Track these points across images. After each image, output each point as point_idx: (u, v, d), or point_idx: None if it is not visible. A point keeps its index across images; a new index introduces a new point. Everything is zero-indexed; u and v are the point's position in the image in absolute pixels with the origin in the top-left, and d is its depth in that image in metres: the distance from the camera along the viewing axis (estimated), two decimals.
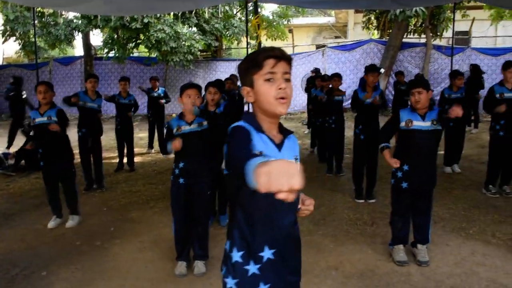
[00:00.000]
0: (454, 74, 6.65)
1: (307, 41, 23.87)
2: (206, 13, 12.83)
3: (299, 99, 13.98)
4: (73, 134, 7.39)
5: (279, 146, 1.63)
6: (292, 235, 1.73)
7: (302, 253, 3.95)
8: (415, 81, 3.73)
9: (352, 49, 14.34)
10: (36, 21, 12.59)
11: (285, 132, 1.70)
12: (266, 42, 19.23)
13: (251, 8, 15.33)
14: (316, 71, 10.29)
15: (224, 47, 16.50)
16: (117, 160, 7.93)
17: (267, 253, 1.64)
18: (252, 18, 4.67)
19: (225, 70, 14.37)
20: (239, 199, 1.64)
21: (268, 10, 17.43)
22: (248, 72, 1.61)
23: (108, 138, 9.97)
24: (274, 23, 16.94)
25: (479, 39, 17.20)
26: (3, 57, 23.67)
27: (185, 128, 3.59)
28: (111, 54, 13.69)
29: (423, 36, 13.60)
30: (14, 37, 14.03)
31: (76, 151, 7.01)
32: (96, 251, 4.30)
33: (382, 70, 12.85)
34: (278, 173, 1.03)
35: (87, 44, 14.89)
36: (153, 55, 13.13)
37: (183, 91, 3.53)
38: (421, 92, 3.55)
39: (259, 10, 14.16)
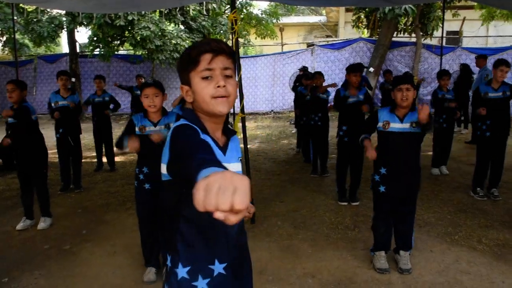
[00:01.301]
0: (440, 74, 6.49)
1: (298, 40, 23.73)
2: (191, 10, 12.58)
3: (288, 98, 13.82)
4: (51, 133, 7.22)
5: (224, 149, 1.47)
6: (240, 245, 1.57)
7: (279, 258, 3.81)
8: (403, 77, 3.51)
9: (341, 48, 14.18)
10: (17, 18, 12.33)
11: (228, 133, 1.53)
12: (255, 41, 19.05)
13: (239, 5, 15.19)
14: (304, 69, 10.11)
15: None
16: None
17: (217, 267, 1.47)
18: (229, 13, 4.46)
19: None
20: (183, 209, 1.44)
21: (257, 8, 17.23)
22: (185, 69, 1.43)
23: (91, 137, 9.72)
24: (263, 22, 16.68)
25: (470, 39, 17.14)
26: None
27: (150, 128, 3.38)
28: (96, 51, 13.41)
29: (413, 35, 13.46)
30: None
31: (54, 151, 6.85)
32: (64, 255, 4.10)
33: (371, 69, 12.74)
34: (218, 188, 0.83)
35: (72, 42, 14.58)
36: (138, 53, 12.88)
37: (141, 91, 3.32)
38: (410, 89, 3.34)
39: (237, 6, 13.95)
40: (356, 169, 5.27)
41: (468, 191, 5.56)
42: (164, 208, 1.50)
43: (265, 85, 14.96)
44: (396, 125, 3.39)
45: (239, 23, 17.08)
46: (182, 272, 1.47)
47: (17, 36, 15.58)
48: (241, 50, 24.17)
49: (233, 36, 4.63)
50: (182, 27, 13.61)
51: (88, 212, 5.39)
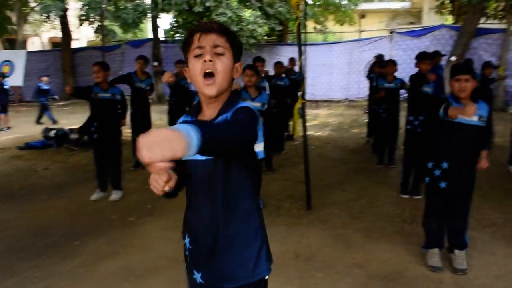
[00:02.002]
0: None
1: (380, 26, 22.88)
2: None
3: (363, 86, 13.43)
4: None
5: None
6: (215, 227, 1.49)
7: (330, 246, 3.81)
8: (462, 67, 3.30)
9: (421, 35, 13.46)
10: (107, 6, 13.19)
11: (223, 111, 1.49)
12: (334, 27, 18.69)
13: None
14: (379, 57, 9.74)
15: (288, 31, 16.22)
16: None
17: (187, 241, 1.58)
18: None
19: (288, 54, 14.10)
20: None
21: None
22: (184, 52, 1.50)
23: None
24: (343, 8, 16.31)
25: None
26: (87, 40, 25.24)
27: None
28: (177, 37, 13.97)
29: (504, 21, 12.37)
30: (88, 22, 14.77)
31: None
32: (127, 226, 4.42)
33: (453, 58, 11.96)
34: (154, 142, 0.97)
35: (155, 28, 15.31)
36: None
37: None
38: (469, 80, 3.14)
39: None
40: (423, 162, 5.04)
41: None
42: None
43: (340, 73, 14.67)
44: (463, 116, 3.21)
45: (315, 9, 16.91)
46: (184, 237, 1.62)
47: (106, 22, 16.66)
48: (320, 37, 23.89)
49: (296, 21, 4.60)
50: (259, 13, 13.70)
51: None
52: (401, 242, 3.88)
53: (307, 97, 14.85)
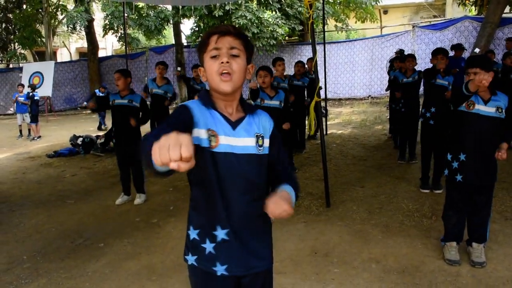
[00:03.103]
0: None
1: (403, 21, 22.54)
2: None
3: (386, 83, 13.28)
4: None
5: (235, 124, 1.57)
6: (250, 215, 1.60)
7: (348, 242, 3.85)
8: (471, 60, 3.27)
9: (444, 28, 13.19)
10: (129, 15, 13.50)
11: (247, 110, 1.63)
12: (355, 24, 18.54)
13: None
14: (400, 52, 9.66)
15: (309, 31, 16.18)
16: None
17: (220, 233, 1.58)
18: None
19: (310, 54, 14.12)
20: (189, 173, 1.61)
21: None
22: (199, 52, 1.59)
23: None
24: (363, 5, 16.16)
25: None
26: (112, 49, 25.89)
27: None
28: (198, 41, 14.15)
29: None
30: (112, 31, 15.16)
31: None
32: (151, 227, 4.54)
33: (477, 50, 11.70)
34: (164, 145, 1.07)
35: (177, 33, 15.57)
36: None
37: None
38: (479, 73, 3.11)
39: None
40: (441, 155, 5.00)
41: None
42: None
43: (362, 70, 14.55)
44: (481, 107, 3.19)
45: (336, 7, 16.81)
46: (193, 234, 1.63)
47: (129, 31, 17.06)
48: (342, 35, 23.72)
49: (309, 20, 4.64)
50: (278, 14, 13.76)
51: (177, 190, 5.86)
52: (420, 237, 3.86)
53: (330, 95, 14.91)
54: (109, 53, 24.69)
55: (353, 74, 14.72)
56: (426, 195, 4.94)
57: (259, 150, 1.60)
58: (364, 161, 6.69)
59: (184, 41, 16.64)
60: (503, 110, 3.16)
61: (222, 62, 1.49)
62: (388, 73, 9.52)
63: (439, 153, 5.00)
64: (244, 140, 1.57)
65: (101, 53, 23.67)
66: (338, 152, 7.35)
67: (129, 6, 12.37)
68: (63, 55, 25.98)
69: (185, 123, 1.45)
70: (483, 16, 12.50)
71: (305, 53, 14.53)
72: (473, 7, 14.27)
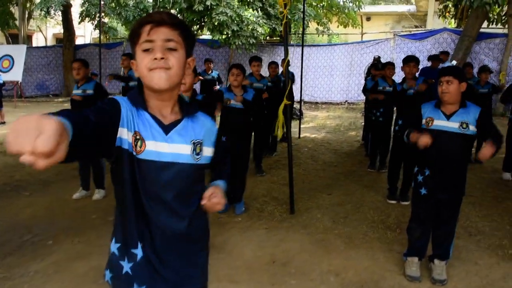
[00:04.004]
0: None
1: (385, 29, 22.71)
2: None
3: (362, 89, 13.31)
4: None
5: (168, 128, 1.36)
6: (177, 234, 1.42)
7: (308, 252, 3.71)
8: (445, 69, 3.17)
9: (423, 39, 13.27)
10: (107, 3, 13.13)
11: (187, 113, 1.43)
12: (337, 29, 18.55)
13: None
14: (377, 59, 9.65)
15: (291, 33, 16.08)
16: None
17: (139, 252, 1.40)
18: None
19: (290, 55, 14.03)
20: (114, 181, 1.42)
21: None
22: (131, 43, 1.37)
23: None
24: (346, 10, 16.16)
25: None
26: (91, 37, 25.29)
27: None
28: None
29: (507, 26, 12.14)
30: (89, 18, 14.73)
31: None
32: (107, 225, 4.31)
33: (454, 62, 11.79)
34: (22, 130, 0.80)
35: None
36: (216, 38, 13.14)
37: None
38: (452, 82, 3.00)
39: None
40: (410, 166, 4.94)
41: None
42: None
43: (341, 75, 14.51)
44: (440, 123, 3.06)
45: (319, 10, 16.76)
46: (113, 247, 1.46)
47: (107, 19, 16.61)
48: (325, 39, 23.75)
49: (283, 20, 4.49)
50: (260, 13, 13.60)
51: None
52: (382, 250, 3.76)
53: (307, 99, 14.84)
54: (88, 41, 24.09)
55: (331, 78, 14.68)
56: (392, 206, 4.85)
57: (196, 159, 1.41)
58: (334, 167, 6.59)
59: None
60: (469, 125, 2.99)
61: (156, 58, 1.28)
62: (365, 79, 9.49)
63: (409, 164, 4.93)
64: (177, 146, 1.37)
65: (79, 41, 23.10)
66: (308, 157, 7.24)
67: None
68: (39, 40, 25.23)
69: (111, 116, 1.24)
70: (462, 29, 12.63)
71: (284, 54, 14.43)
72: (452, 19, 14.41)
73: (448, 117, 3.04)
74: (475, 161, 6.42)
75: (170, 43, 1.31)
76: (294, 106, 10.31)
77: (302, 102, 14.47)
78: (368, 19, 25.46)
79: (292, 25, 15.54)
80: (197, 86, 9.92)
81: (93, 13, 14.22)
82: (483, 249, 3.82)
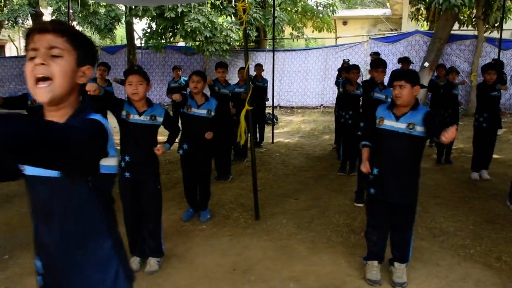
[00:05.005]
0: (485, 68, 5.91)
1: (361, 33, 22.92)
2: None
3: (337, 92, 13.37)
4: None
5: None
6: (68, 248, 1.40)
7: (270, 259, 3.66)
8: (398, 73, 3.17)
9: (396, 41, 13.39)
10: (76, 11, 12.94)
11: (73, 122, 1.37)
12: (312, 34, 18.64)
13: None
14: (347, 62, 9.73)
15: (266, 38, 16.09)
16: None
17: (38, 265, 1.43)
18: (239, 2, 4.30)
19: (264, 60, 14.01)
20: None
21: (313, 0, 16.77)
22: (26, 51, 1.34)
23: None
24: (320, 14, 16.24)
25: None
26: None
27: (134, 117, 3.33)
28: (150, 43, 13.79)
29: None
30: None
31: None
32: None
33: (426, 64, 11.96)
34: None
35: (130, 33, 15.09)
36: (189, 44, 13.07)
37: (125, 78, 3.28)
38: (404, 86, 3.01)
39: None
40: None
41: (505, 200, 5.00)
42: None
43: (316, 79, 14.54)
44: (389, 123, 3.08)
45: (294, 16, 16.82)
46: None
47: (78, 28, 16.40)
48: (302, 43, 23.85)
49: (243, 25, 4.43)
50: (233, 19, 13.58)
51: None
52: (345, 254, 3.72)
53: (282, 103, 14.85)
54: None
55: (306, 82, 14.70)
56: (359, 209, 4.81)
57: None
58: (304, 172, 6.56)
59: (137, 42, 16.17)
60: (416, 126, 2.98)
61: (36, 64, 1.24)
62: (336, 82, 9.52)
63: None
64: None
65: None
66: (280, 162, 7.20)
67: (77, 2, 11.86)
68: (12, 50, 24.77)
69: None
70: (433, 31, 12.80)
71: (259, 59, 14.39)
72: (425, 22, 14.60)
73: (398, 118, 3.06)
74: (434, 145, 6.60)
75: (54, 50, 1.27)
76: (269, 111, 10.30)
77: (278, 107, 14.53)
78: (345, 23, 25.67)
79: (267, 30, 15.56)
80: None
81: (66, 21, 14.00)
82: (446, 250, 3.81)
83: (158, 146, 3.42)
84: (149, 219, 3.49)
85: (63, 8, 12.79)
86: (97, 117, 1.35)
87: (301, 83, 14.74)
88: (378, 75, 4.87)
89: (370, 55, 10.33)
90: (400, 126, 3.02)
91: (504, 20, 11.69)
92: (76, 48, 1.31)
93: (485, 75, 5.80)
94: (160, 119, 3.43)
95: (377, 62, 4.98)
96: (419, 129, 3.00)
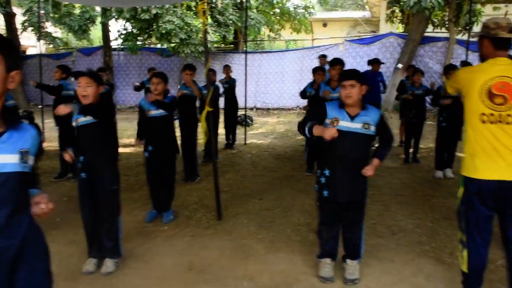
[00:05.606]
0: (447, 69, 6.04)
1: (341, 35, 23.13)
2: (219, 4, 12.53)
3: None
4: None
5: None
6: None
7: (228, 258, 3.67)
8: (348, 73, 3.21)
9: (370, 43, 13.56)
10: (48, 12, 12.79)
11: (11, 125, 1.47)
12: (291, 35, 18.77)
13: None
14: (323, 56, 9.97)
15: (243, 40, 16.13)
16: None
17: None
18: (199, 3, 4.32)
19: (241, 62, 14.02)
20: None
21: (291, 2, 16.91)
22: None
23: None
24: (298, 16, 16.36)
25: None
26: (45, 48, 24.56)
27: (81, 120, 3.35)
28: (125, 45, 13.71)
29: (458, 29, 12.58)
30: (32, 28, 14.30)
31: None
32: None
33: (399, 66, 12.14)
34: None
35: (105, 35, 14.96)
36: (164, 46, 13.03)
37: (76, 80, 3.28)
38: (355, 85, 3.05)
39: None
40: None
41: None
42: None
43: (292, 80, 14.61)
44: (345, 124, 3.09)
45: (272, 17, 16.92)
46: None
47: (51, 29, 16.20)
48: (282, 44, 23.97)
49: (203, 26, 4.45)
50: (209, 21, 13.58)
51: (72, 200, 5.41)
52: (302, 252, 3.76)
53: (259, 105, 14.88)
54: (42, 52, 23.39)
55: (282, 84, 14.77)
56: None
57: (24, 167, 1.48)
58: (272, 173, 6.59)
59: (115, 44, 16.05)
60: (370, 126, 3.07)
61: None
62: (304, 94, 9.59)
63: None
64: (3, 157, 1.43)
65: (31, 51, 22.43)
66: (250, 163, 7.22)
67: (49, 3, 11.73)
68: None
69: None
70: (406, 33, 13.00)
71: (236, 61, 14.43)
72: (400, 24, 14.82)
73: (352, 118, 3.08)
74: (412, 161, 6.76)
75: None
76: (244, 113, 10.32)
77: (255, 109, 14.58)
78: (325, 25, 25.89)
79: (245, 32, 15.59)
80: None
81: (35, 22, 13.81)
82: (402, 247, 3.88)
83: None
84: (105, 219, 3.48)
85: (35, 9, 12.58)
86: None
87: (277, 85, 14.80)
88: (335, 73, 4.95)
89: (318, 57, 10.53)
90: (356, 126, 3.06)
91: (475, 23, 11.99)
92: (5, 56, 1.39)
93: (448, 76, 5.91)
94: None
95: (336, 61, 5.05)
96: (372, 128, 3.09)
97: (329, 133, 2.89)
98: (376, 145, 3.31)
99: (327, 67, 6.66)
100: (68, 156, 3.33)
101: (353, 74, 3.13)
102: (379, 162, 3.15)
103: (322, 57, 10.02)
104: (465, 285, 2.84)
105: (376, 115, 3.11)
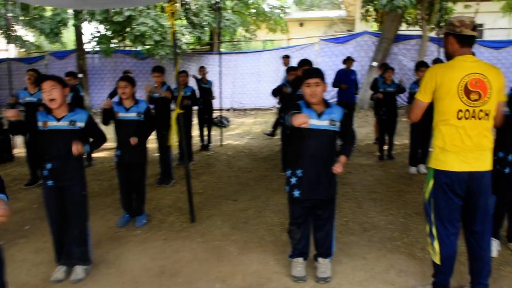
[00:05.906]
0: (418, 66, 6.13)
1: (317, 34, 23.25)
2: (192, 5, 12.45)
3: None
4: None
5: None
6: None
7: (200, 260, 3.64)
8: (312, 71, 3.23)
9: (345, 42, 13.68)
10: (16, 15, 12.51)
11: None
12: (267, 35, 18.79)
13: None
14: (286, 56, 10.11)
15: (218, 41, 16.08)
16: None
17: None
18: (167, 5, 4.27)
19: (216, 63, 13.95)
20: None
21: (266, 3, 16.93)
22: None
23: None
24: (273, 17, 16.39)
25: (489, 32, 16.22)
26: (18, 51, 24.02)
27: (52, 124, 3.26)
28: (98, 48, 13.50)
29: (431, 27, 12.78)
30: (0, 31, 13.94)
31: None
32: None
33: (374, 64, 12.26)
34: None
35: (78, 38, 14.70)
36: (138, 48, 12.89)
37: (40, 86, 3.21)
38: (320, 84, 3.08)
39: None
40: None
41: None
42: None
43: (268, 80, 14.60)
44: (313, 122, 3.09)
45: (248, 18, 16.91)
46: None
47: (21, 33, 15.85)
48: (260, 45, 23.98)
49: (171, 28, 4.40)
50: (184, 22, 13.48)
51: (42, 208, 5.32)
52: (275, 252, 3.75)
53: (236, 106, 14.85)
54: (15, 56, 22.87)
55: (259, 84, 14.76)
56: None
57: None
58: (247, 173, 6.57)
59: (88, 47, 15.79)
60: (336, 123, 3.12)
61: None
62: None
63: None
64: None
65: (3, 55, 21.90)
66: (225, 164, 7.19)
67: (22, 6, 11.47)
68: None
69: None
70: (380, 31, 13.16)
71: (211, 62, 14.36)
72: (374, 23, 14.99)
73: (319, 115, 3.10)
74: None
75: None
76: (219, 114, 10.29)
77: (232, 110, 14.54)
78: (301, 24, 25.99)
79: (226, 34, 15.56)
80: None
81: (5, 25, 13.48)
82: (374, 243, 3.90)
83: (77, 142, 3.21)
84: (74, 226, 3.41)
85: (3, 11, 12.27)
86: None
87: (254, 85, 14.80)
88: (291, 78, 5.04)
89: (282, 57, 10.65)
90: (323, 123, 3.09)
91: (442, 20, 12.22)
92: None
93: (418, 72, 6.00)
94: (80, 124, 3.35)
95: (304, 62, 5.10)
96: (338, 124, 3.14)
97: (299, 120, 2.86)
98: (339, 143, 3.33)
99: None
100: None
101: (317, 72, 3.16)
102: (346, 159, 3.17)
103: (286, 57, 10.16)
104: (436, 277, 2.90)
105: (339, 112, 3.17)
